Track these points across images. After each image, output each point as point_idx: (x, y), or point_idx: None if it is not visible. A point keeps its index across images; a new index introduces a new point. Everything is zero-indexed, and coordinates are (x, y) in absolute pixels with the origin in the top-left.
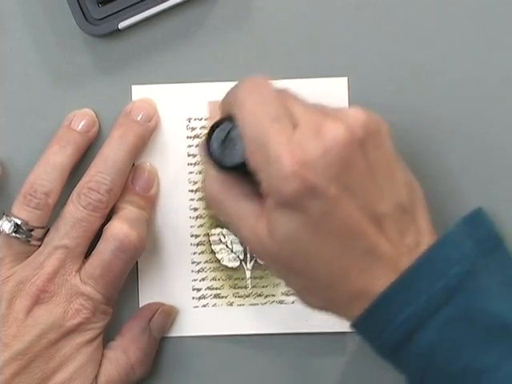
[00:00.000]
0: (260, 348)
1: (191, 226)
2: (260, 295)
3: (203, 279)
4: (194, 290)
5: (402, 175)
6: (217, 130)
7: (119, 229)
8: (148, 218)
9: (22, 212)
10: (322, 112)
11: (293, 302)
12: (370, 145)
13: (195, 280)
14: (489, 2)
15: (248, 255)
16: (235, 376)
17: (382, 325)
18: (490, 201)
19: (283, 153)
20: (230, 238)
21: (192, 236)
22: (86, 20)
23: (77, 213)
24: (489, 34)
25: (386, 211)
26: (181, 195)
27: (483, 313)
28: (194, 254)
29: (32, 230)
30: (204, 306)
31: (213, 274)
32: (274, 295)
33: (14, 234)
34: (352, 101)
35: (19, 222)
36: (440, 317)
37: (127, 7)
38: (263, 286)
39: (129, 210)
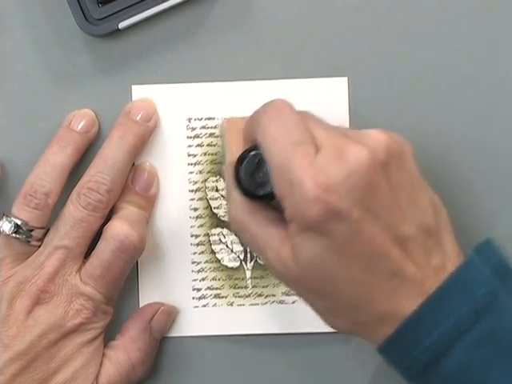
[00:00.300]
0: (260, 348)
1: (191, 226)
2: (260, 295)
3: (203, 279)
4: (194, 289)
5: (426, 196)
6: (246, 160)
7: (119, 229)
8: (148, 217)
9: (22, 212)
10: (344, 134)
11: (293, 302)
12: (393, 167)
13: (195, 280)
14: (489, 2)
15: (248, 255)
16: (235, 376)
17: (410, 347)
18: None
19: (305, 177)
20: (230, 238)
21: (192, 236)
22: (86, 20)
23: (76, 213)
24: (489, 34)
25: (410, 233)
26: (181, 195)
27: (511, 334)
28: (194, 253)
29: (32, 231)
30: (204, 305)
31: (213, 274)
32: (274, 295)
33: (14, 235)
34: (352, 101)
35: (19, 222)
36: (468, 338)
37: (127, 7)
38: (263, 286)
39: (129, 210)
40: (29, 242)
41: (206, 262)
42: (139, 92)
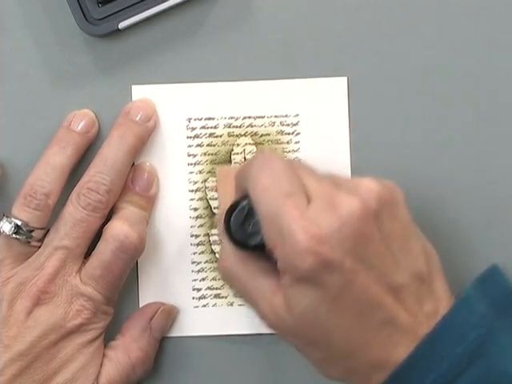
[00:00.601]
0: (261, 348)
1: (191, 226)
2: None
3: (203, 279)
4: (194, 289)
5: (417, 243)
6: (236, 211)
7: (119, 229)
8: (148, 218)
9: (22, 213)
10: (335, 184)
11: None
12: (384, 216)
13: (195, 280)
14: (489, 2)
15: None
16: (235, 376)
17: None
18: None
19: (297, 228)
20: None
21: (192, 236)
22: (86, 20)
23: (76, 213)
24: (489, 34)
25: (402, 282)
26: (181, 195)
27: (505, 375)
28: (194, 253)
29: (32, 231)
30: (204, 305)
31: (213, 274)
32: None
33: (14, 235)
34: (351, 101)
35: (19, 222)
36: (462, 381)
37: (127, 7)
38: None
39: (129, 210)
40: (29, 242)
41: (206, 261)
42: (139, 92)
